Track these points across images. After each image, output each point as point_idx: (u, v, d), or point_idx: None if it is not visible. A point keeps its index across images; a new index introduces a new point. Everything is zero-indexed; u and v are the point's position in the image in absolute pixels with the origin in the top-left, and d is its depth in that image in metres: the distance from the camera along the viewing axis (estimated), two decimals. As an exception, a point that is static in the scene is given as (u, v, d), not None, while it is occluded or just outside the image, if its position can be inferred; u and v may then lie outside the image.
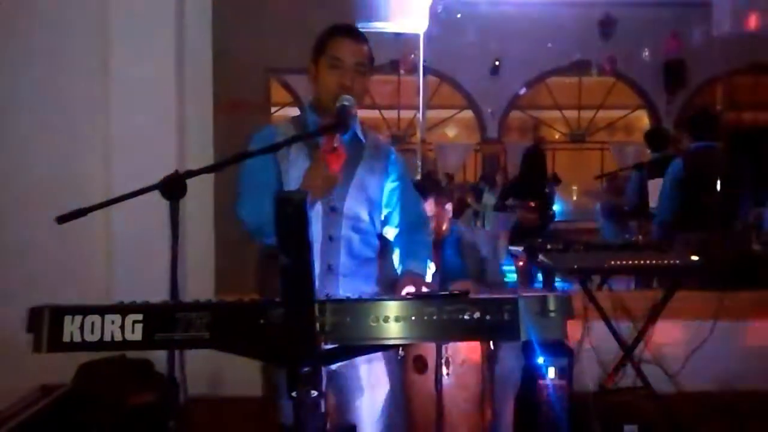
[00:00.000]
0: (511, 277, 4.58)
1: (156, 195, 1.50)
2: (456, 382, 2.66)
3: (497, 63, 12.61)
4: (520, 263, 4.79)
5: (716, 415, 3.57)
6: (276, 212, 1.17)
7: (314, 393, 1.26)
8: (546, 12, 11.64)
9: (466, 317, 1.29)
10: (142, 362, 3.32)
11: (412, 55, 8.20)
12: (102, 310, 1.31)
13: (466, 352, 2.69)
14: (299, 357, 1.26)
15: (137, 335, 1.29)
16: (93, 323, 1.30)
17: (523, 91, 13.30)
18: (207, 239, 3.90)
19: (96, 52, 3.67)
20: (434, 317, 1.30)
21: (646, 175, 5.49)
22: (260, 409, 2.72)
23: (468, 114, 13.86)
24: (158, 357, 3.18)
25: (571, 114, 14.18)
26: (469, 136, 14.53)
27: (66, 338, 1.30)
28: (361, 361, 2.20)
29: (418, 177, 5.45)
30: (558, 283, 4.55)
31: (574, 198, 13.20)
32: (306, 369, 1.25)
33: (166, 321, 1.29)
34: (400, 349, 2.59)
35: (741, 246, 4.65)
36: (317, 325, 1.29)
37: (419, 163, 6.05)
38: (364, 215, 2.27)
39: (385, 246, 2.40)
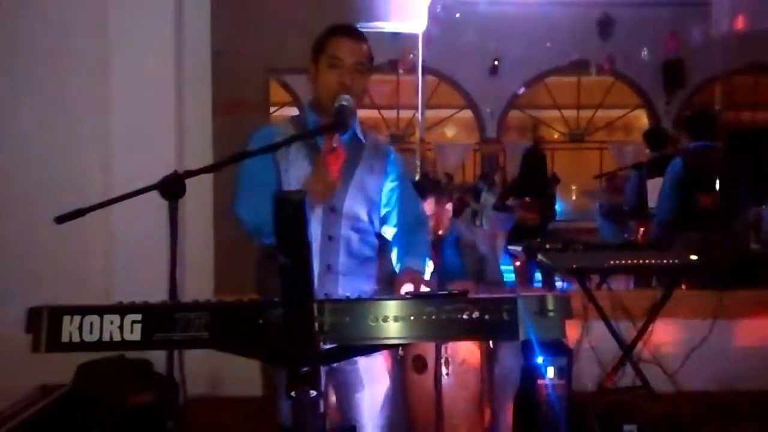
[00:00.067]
0: (510, 276, 4.58)
1: (155, 195, 1.50)
2: (455, 382, 2.66)
3: (496, 63, 12.61)
4: (518, 263, 4.79)
5: (715, 414, 3.57)
6: (275, 212, 1.17)
7: (313, 393, 1.26)
8: (545, 12, 11.64)
9: (465, 317, 1.29)
10: (141, 362, 3.33)
11: (411, 55, 8.21)
12: (101, 311, 1.30)
13: (465, 351, 2.69)
14: (298, 357, 1.26)
15: (136, 335, 1.29)
16: (92, 323, 1.30)
17: (521, 90, 13.29)
18: (206, 239, 3.90)
19: (95, 53, 3.68)
20: (433, 317, 1.30)
21: (645, 174, 5.49)
22: (259, 409, 2.73)
23: (467, 114, 13.85)
24: (157, 357, 3.18)
25: (569, 114, 14.18)
26: (468, 135, 14.52)
27: (65, 338, 1.30)
28: (360, 356, 2.21)
29: (417, 177, 5.45)
30: (558, 283, 4.55)
31: (573, 198, 13.21)
32: (305, 369, 1.25)
33: (164, 321, 1.29)
34: (400, 348, 2.60)
35: (740, 245, 4.65)
36: (316, 325, 1.28)
37: (418, 162, 6.06)
38: (363, 215, 2.28)
39: (384, 245, 2.40)
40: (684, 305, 3.68)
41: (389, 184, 2.35)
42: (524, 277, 4.86)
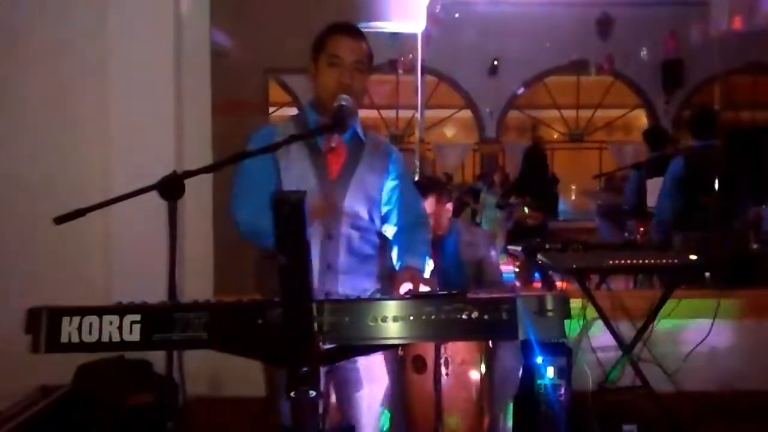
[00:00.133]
0: (509, 276, 4.57)
1: (154, 195, 1.50)
2: (455, 382, 2.66)
3: (495, 62, 12.61)
4: (518, 263, 4.78)
5: (715, 414, 3.57)
6: (273, 212, 1.17)
7: (312, 393, 1.26)
8: (544, 11, 11.65)
9: (464, 317, 1.29)
10: (140, 363, 3.33)
11: (410, 55, 8.20)
12: (100, 311, 1.31)
13: (465, 351, 2.69)
14: (297, 357, 1.26)
15: (135, 336, 1.29)
16: (91, 324, 1.30)
17: (521, 90, 13.29)
18: (206, 239, 3.90)
19: (95, 53, 3.68)
20: (433, 317, 1.30)
21: (644, 174, 5.49)
22: (259, 409, 2.72)
23: (466, 114, 13.85)
24: (157, 357, 3.18)
25: (569, 113, 14.18)
26: (467, 135, 14.52)
27: (64, 339, 1.30)
28: (360, 357, 2.20)
29: (416, 177, 5.45)
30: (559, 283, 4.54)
31: (573, 197, 13.20)
32: (304, 369, 1.25)
33: (163, 321, 1.29)
34: (399, 348, 2.59)
35: (740, 245, 4.65)
36: (315, 325, 1.29)
37: (417, 162, 6.05)
38: (364, 213, 2.27)
39: (385, 243, 2.40)
40: (684, 305, 3.67)
41: (390, 183, 2.34)
42: (525, 277, 4.85)
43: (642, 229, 5.49)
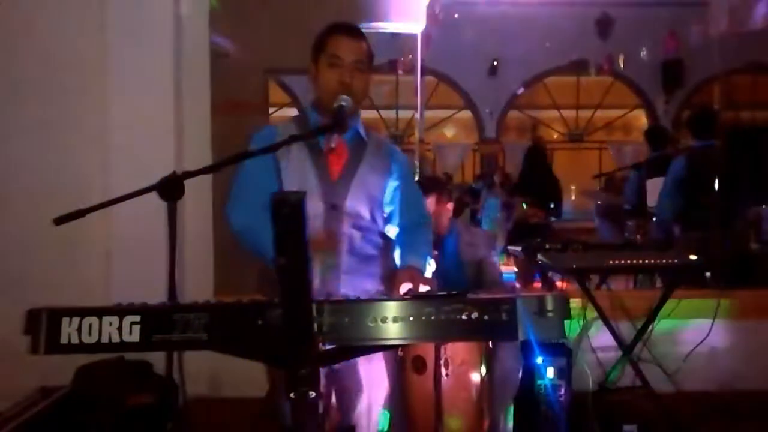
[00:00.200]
0: (509, 276, 4.57)
1: (154, 196, 1.50)
2: (455, 383, 2.65)
3: (495, 63, 12.61)
4: (517, 263, 4.78)
5: (715, 414, 3.57)
6: (273, 213, 1.17)
7: (312, 394, 1.26)
8: (544, 12, 11.64)
9: (464, 317, 1.29)
10: (140, 363, 3.32)
11: (410, 56, 8.20)
12: (99, 312, 1.30)
13: (465, 352, 2.68)
14: (297, 358, 1.26)
15: (135, 337, 1.29)
16: (90, 325, 1.29)
17: (521, 90, 13.29)
18: (205, 240, 3.90)
19: (95, 53, 3.67)
20: (432, 317, 1.29)
21: (644, 174, 5.49)
22: (259, 410, 2.72)
23: (466, 114, 13.85)
24: (157, 358, 3.18)
25: (569, 114, 14.18)
26: (467, 136, 14.52)
27: (63, 340, 1.30)
28: (361, 360, 2.20)
29: (416, 177, 5.45)
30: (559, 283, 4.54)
31: (573, 198, 13.20)
32: (304, 370, 1.25)
33: (163, 322, 1.29)
34: (399, 349, 2.59)
35: (740, 245, 4.65)
36: (315, 325, 1.28)
37: (417, 163, 6.06)
38: (365, 213, 2.26)
39: (389, 244, 2.40)
40: (684, 305, 3.67)
41: (393, 183, 2.33)
42: (525, 277, 4.84)
43: (642, 229, 5.49)
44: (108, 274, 3.61)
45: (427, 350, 2.64)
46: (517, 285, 4.51)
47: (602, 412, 3.38)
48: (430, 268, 2.37)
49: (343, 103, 2.10)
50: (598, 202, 7.36)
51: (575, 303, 3.49)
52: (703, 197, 4.49)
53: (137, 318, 1.30)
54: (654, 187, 5.03)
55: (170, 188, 1.50)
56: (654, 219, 5.07)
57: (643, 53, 12.06)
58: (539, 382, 3.34)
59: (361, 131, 2.31)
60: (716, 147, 4.69)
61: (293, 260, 1.20)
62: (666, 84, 12.60)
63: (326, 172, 2.23)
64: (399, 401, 2.50)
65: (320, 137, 2.21)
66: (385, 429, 2.35)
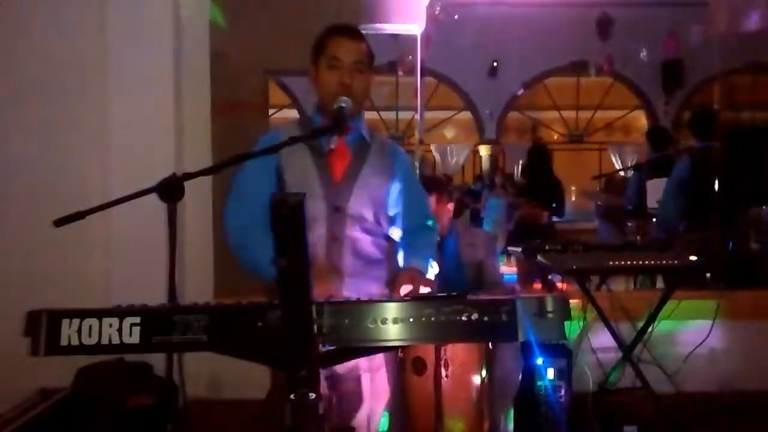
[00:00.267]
0: (510, 277, 4.57)
1: (154, 197, 1.50)
2: (455, 384, 2.65)
3: (495, 64, 12.62)
4: (518, 264, 4.78)
5: (715, 415, 3.57)
6: (272, 214, 1.17)
7: (312, 395, 1.26)
8: (544, 12, 11.66)
9: (464, 318, 1.29)
10: (140, 365, 3.32)
11: (410, 56, 8.20)
12: (99, 314, 1.30)
13: (465, 353, 2.68)
14: (297, 359, 1.25)
15: (135, 338, 1.29)
16: (90, 326, 1.29)
17: (521, 91, 13.30)
18: (205, 241, 3.89)
19: (95, 53, 3.67)
20: (432, 318, 1.29)
21: (644, 175, 5.49)
22: (259, 411, 2.72)
23: (466, 115, 13.86)
24: (157, 360, 3.18)
25: (569, 114, 14.19)
26: (467, 137, 14.53)
27: (63, 342, 1.29)
28: (364, 369, 2.19)
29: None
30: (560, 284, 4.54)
31: (573, 198, 13.20)
32: (304, 371, 1.25)
33: (163, 324, 1.29)
34: (399, 350, 2.59)
35: (740, 245, 4.65)
36: (315, 327, 1.28)
37: (417, 164, 6.06)
38: (369, 215, 2.24)
39: (394, 247, 2.39)
40: (684, 306, 3.67)
41: (396, 185, 2.31)
42: (525, 278, 4.84)
43: (642, 230, 5.48)
44: (108, 275, 3.61)
45: (427, 351, 2.64)
46: (517, 286, 4.50)
47: (602, 413, 3.37)
48: (433, 270, 2.37)
49: (343, 105, 2.09)
50: (598, 202, 7.35)
51: (575, 304, 3.49)
52: (707, 198, 4.49)
53: (137, 319, 1.29)
54: (654, 188, 5.02)
55: (170, 189, 1.50)
56: (654, 220, 5.06)
57: (643, 53, 12.06)
58: (539, 383, 3.34)
59: (365, 133, 2.30)
60: (715, 147, 4.68)
61: (293, 262, 1.20)
62: (666, 84, 12.60)
63: (328, 173, 2.21)
64: (399, 402, 2.49)
65: (323, 140, 2.20)
66: (385, 430, 2.35)
